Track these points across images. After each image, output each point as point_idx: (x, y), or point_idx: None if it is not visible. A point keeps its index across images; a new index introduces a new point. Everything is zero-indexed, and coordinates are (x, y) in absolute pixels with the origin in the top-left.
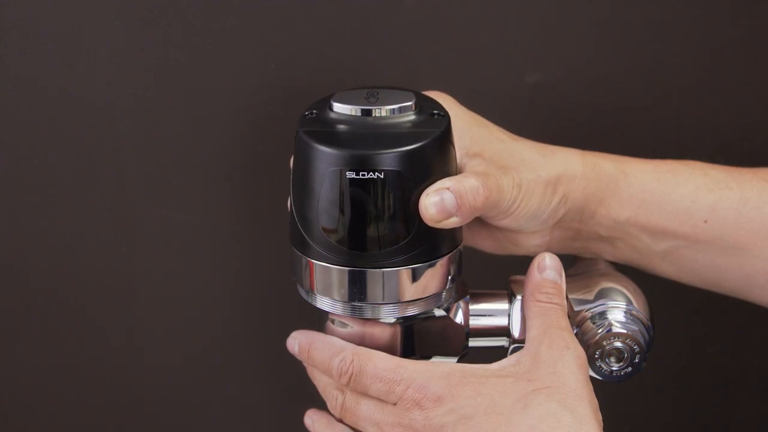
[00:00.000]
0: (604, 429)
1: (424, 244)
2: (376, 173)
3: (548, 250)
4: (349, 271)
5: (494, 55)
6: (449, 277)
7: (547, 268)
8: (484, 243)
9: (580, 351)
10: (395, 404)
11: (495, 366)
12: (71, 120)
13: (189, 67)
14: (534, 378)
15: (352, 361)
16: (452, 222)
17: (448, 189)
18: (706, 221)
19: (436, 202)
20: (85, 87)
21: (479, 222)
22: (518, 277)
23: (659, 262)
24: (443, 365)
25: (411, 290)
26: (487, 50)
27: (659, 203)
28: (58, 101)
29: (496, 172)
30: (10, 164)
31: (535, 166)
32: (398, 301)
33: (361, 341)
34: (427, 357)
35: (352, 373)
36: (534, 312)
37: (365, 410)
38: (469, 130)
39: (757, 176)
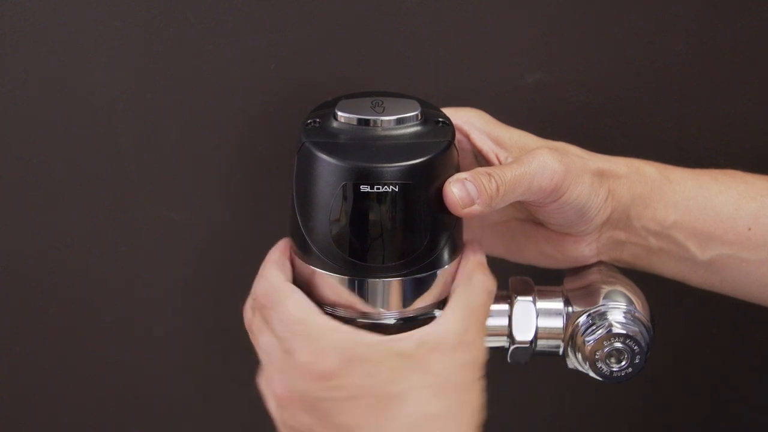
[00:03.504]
0: (604, 428)
1: (432, 253)
2: (391, 186)
3: (600, 255)
4: (357, 281)
5: (494, 55)
6: (451, 282)
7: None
8: (531, 255)
9: (480, 350)
10: (287, 352)
11: (399, 342)
12: (71, 120)
13: (189, 67)
14: (428, 368)
15: (269, 292)
16: (474, 210)
17: (466, 179)
18: (750, 228)
19: (460, 188)
20: (85, 87)
21: (524, 233)
22: (518, 277)
23: (703, 272)
24: (346, 333)
25: (415, 297)
26: (487, 50)
27: (703, 209)
28: (58, 101)
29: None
30: (10, 164)
31: (581, 155)
32: (401, 308)
33: None
34: None
35: (263, 305)
36: (464, 282)
37: (264, 341)
38: (515, 143)
39: None
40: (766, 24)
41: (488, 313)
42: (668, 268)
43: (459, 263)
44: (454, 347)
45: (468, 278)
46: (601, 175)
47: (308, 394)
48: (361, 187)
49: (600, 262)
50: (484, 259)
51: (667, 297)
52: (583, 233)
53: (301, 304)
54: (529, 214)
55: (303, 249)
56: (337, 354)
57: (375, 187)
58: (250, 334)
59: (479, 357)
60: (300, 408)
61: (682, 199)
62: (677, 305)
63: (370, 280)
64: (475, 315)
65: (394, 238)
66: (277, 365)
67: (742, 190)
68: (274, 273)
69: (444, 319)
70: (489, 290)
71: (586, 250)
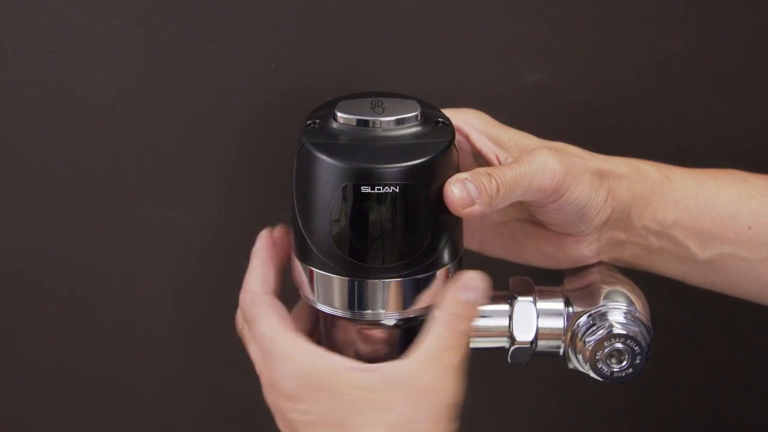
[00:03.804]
0: (604, 429)
1: (432, 254)
2: (392, 187)
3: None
4: (357, 282)
5: (494, 55)
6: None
7: (466, 289)
8: (531, 255)
9: (449, 394)
10: (265, 367)
11: (362, 374)
12: (71, 120)
13: (189, 67)
14: (390, 407)
15: (248, 306)
16: (474, 210)
17: (467, 179)
18: (750, 227)
19: (461, 188)
20: (85, 87)
21: (524, 233)
22: (519, 278)
23: (704, 272)
24: (308, 357)
25: (415, 298)
26: (487, 50)
27: (703, 208)
28: (58, 101)
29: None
30: (10, 164)
31: (581, 155)
32: (401, 309)
33: (360, 339)
34: None
35: (246, 319)
36: (439, 321)
37: (253, 351)
38: (515, 144)
39: None
40: (766, 24)
41: (461, 354)
42: (669, 267)
43: (444, 293)
44: (419, 389)
45: (446, 319)
46: (601, 175)
47: (281, 409)
48: (361, 187)
49: (600, 263)
50: (470, 296)
51: (667, 297)
52: (584, 233)
53: (271, 322)
54: (529, 215)
55: (303, 249)
56: (296, 378)
57: (375, 187)
58: (243, 340)
59: (447, 400)
60: (280, 420)
61: (682, 197)
62: (677, 305)
63: (370, 281)
64: (445, 358)
65: (395, 238)
66: (262, 377)
67: (743, 189)
68: (253, 283)
69: (413, 358)
70: (464, 332)
71: (586, 250)
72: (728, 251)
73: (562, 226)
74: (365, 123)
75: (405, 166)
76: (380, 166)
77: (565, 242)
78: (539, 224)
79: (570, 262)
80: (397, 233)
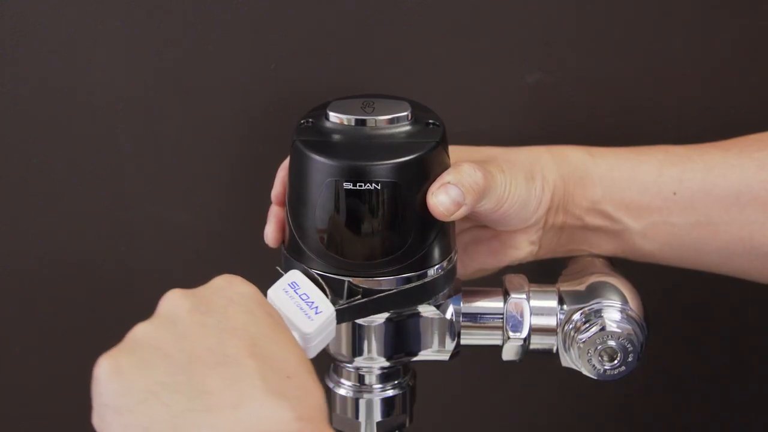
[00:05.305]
0: (604, 429)
1: (418, 252)
2: (373, 184)
3: (542, 247)
4: (342, 279)
5: (494, 54)
6: (444, 281)
7: None
8: (485, 260)
9: None
10: None
11: None
12: (70, 120)
13: (189, 67)
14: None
15: None
16: (462, 212)
17: (450, 183)
18: (675, 193)
19: (444, 200)
20: (85, 87)
21: (474, 240)
22: (512, 275)
23: (641, 241)
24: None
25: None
26: (488, 50)
27: (627, 179)
28: (58, 101)
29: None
30: (10, 164)
31: (507, 158)
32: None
33: (352, 334)
34: (416, 353)
35: None
36: None
37: None
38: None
39: (716, 147)
40: (766, 24)
41: None
42: (608, 245)
43: None
44: None
45: None
46: (530, 168)
47: None
48: (344, 184)
49: (595, 260)
50: None
51: (665, 296)
52: (529, 226)
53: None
54: (474, 222)
55: (292, 245)
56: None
57: (358, 184)
58: None
59: None
60: None
61: (605, 171)
62: (676, 304)
63: (355, 279)
64: None
65: (377, 236)
66: None
67: (662, 158)
68: None
69: None
70: None
71: (534, 237)
72: (658, 219)
73: (508, 223)
74: (355, 122)
75: (389, 164)
76: (364, 163)
77: (513, 236)
78: (485, 227)
79: (521, 254)
80: (380, 231)
